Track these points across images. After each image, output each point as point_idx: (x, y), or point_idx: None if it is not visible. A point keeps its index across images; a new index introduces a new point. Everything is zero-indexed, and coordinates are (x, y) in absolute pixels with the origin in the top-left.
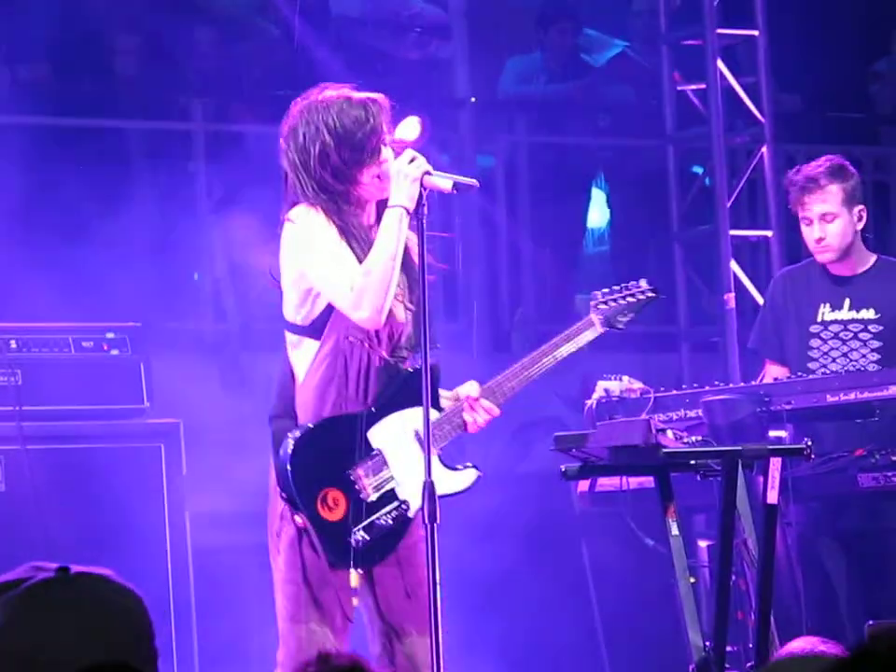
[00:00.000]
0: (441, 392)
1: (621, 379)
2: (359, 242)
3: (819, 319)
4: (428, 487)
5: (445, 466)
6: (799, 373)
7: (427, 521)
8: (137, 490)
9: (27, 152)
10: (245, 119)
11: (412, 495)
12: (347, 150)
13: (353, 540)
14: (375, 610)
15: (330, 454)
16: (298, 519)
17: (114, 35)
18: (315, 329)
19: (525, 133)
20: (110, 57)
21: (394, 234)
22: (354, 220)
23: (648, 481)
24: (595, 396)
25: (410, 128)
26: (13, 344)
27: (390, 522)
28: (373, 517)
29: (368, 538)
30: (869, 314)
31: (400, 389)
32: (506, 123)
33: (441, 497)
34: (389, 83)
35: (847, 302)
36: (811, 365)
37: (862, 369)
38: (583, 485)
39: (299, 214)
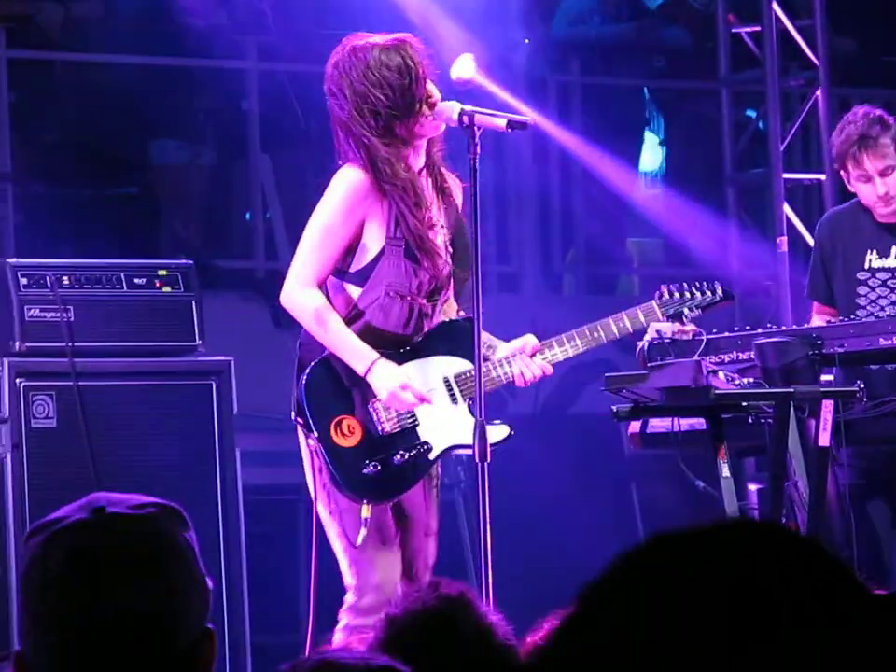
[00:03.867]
0: (493, 341)
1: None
2: (398, 191)
3: (866, 266)
4: (479, 427)
5: (474, 415)
6: (850, 317)
7: (478, 459)
8: (189, 427)
9: (71, 89)
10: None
11: (434, 437)
12: (399, 101)
13: (365, 471)
14: (398, 539)
15: (351, 383)
16: (310, 441)
17: None
18: (360, 277)
19: (578, 74)
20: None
21: (343, 353)
22: (399, 169)
23: (699, 422)
24: (647, 337)
25: (465, 65)
26: (65, 281)
27: (407, 459)
28: (389, 451)
29: (380, 469)
30: None
31: (435, 336)
32: (560, 64)
33: (466, 447)
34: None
35: (894, 250)
36: (859, 312)
37: None
38: (634, 427)
39: (342, 173)
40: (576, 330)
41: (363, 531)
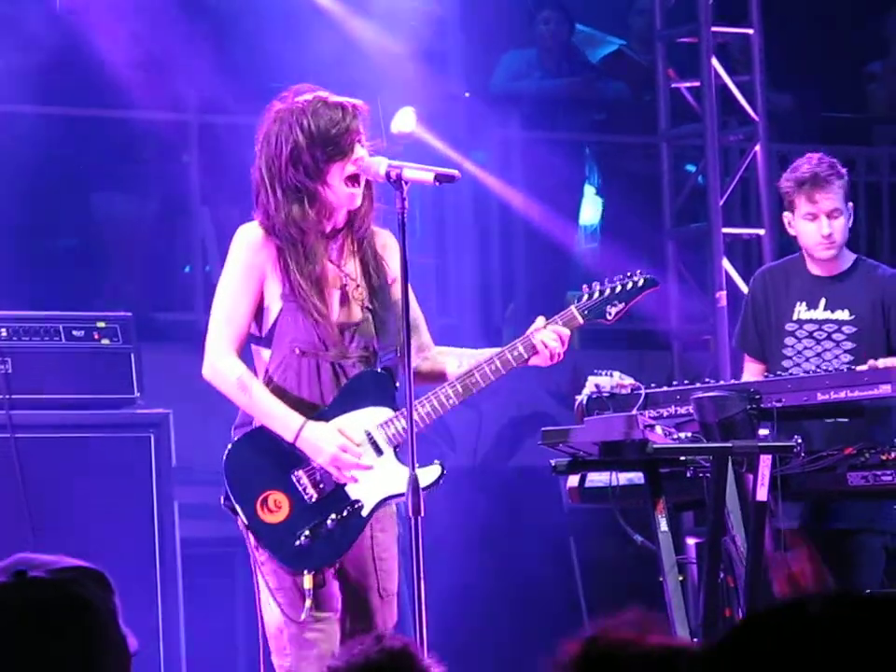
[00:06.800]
0: (461, 350)
1: (611, 375)
2: (302, 259)
3: (794, 318)
4: (412, 481)
5: (401, 462)
6: (778, 372)
7: (411, 514)
8: (127, 479)
9: (12, 141)
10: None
11: (364, 494)
12: (319, 148)
13: (296, 542)
14: (345, 609)
15: (272, 457)
16: (238, 522)
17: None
18: (268, 341)
19: (518, 129)
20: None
21: (268, 420)
22: (307, 237)
23: (638, 477)
24: (586, 391)
25: (406, 119)
26: (3, 333)
27: (340, 521)
28: (321, 517)
29: (312, 538)
30: (844, 314)
31: (350, 391)
32: (500, 118)
33: (399, 495)
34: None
35: (822, 302)
36: (785, 363)
37: (838, 369)
38: (573, 481)
39: (238, 233)
40: (499, 350)
41: (308, 602)
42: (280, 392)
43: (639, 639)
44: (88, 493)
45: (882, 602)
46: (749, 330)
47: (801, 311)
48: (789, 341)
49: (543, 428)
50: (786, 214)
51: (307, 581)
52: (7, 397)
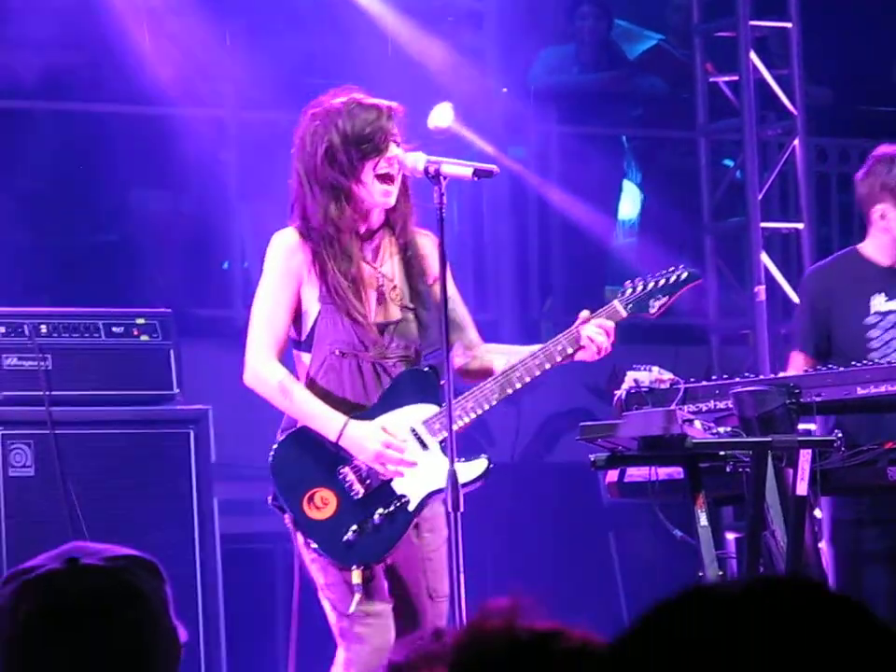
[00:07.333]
0: (507, 348)
1: (650, 370)
2: (339, 258)
3: (873, 311)
4: (451, 476)
5: (447, 456)
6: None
7: (451, 509)
8: (167, 476)
9: (51, 139)
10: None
11: (410, 489)
12: (353, 146)
13: (345, 538)
14: (395, 610)
15: (317, 455)
16: (286, 520)
17: None
18: (308, 344)
19: (556, 124)
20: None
21: (311, 422)
22: (342, 237)
23: (677, 471)
24: (625, 386)
25: (443, 114)
26: (43, 329)
27: (387, 517)
28: (367, 513)
29: (359, 533)
30: None
31: (393, 390)
32: (538, 114)
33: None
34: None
35: None
36: (872, 356)
37: None
38: (612, 476)
39: (274, 239)
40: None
41: (356, 597)
42: (323, 394)
43: (506, 628)
44: (128, 489)
45: (797, 585)
46: (807, 330)
47: (880, 303)
48: (872, 333)
49: (582, 423)
50: (880, 207)
51: (356, 577)
52: (48, 393)
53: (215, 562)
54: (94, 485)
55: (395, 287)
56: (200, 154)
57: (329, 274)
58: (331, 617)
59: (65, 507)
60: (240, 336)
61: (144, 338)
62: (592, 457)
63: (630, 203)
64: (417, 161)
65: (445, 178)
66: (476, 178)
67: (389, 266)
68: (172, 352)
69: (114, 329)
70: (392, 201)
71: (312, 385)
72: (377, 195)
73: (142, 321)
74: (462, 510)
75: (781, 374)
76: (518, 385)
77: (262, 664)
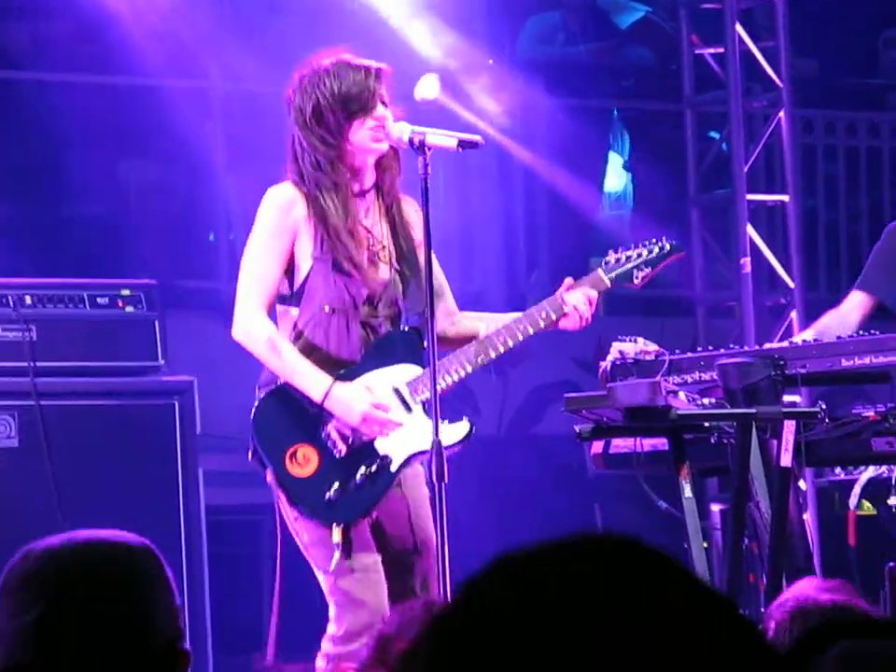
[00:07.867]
0: (488, 315)
1: (635, 341)
2: (339, 208)
3: None
4: (437, 446)
5: (430, 418)
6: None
7: (435, 480)
8: (151, 447)
9: (35, 109)
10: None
11: (393, 449)
12: (340, 106)
13: (326, 496)
14: (384, 566)
15: (299, 412)
16: (268, 476)
17: None
18: (297, 298)
19: (542, 95)
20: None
21: (297, 380)
22: (339, 192)
23: (662, 443)
24: (610, 358)
25: (429, 85)
26: (28, 300)
27: (369, 476)
28: (350, 471)
29: (341, 492)
30: None
31: (378, 349)
32: (524, 85)
33: (427, 452)
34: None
35: None
36: None
37: None
38: (597, 447)
39: (268, 193)
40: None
41: (336, 555)
42: (309, 349)
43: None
44: (112, 460)
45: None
46: (874, 271)
47: None
48: None
49: (566, 395)
50: None
51: (336, 535)
52: (32, 364)
53: (200, 533)
54: (79, 457)
55: (384, 247)
56: (185, 126)
57: (330, 220)
58: (318, 575)
59: (50, 478)
60: (225, 308)
61: (129, 309)
62: (577, 429)
63: (616, 175)
64: (402, 131)
65: (430, 149)
66: (461, 149)
67: (378, 228)
68: (157, 323)
69: (99, 300)
70: (385, 147)
71: (298, 338)
72: (367, 147)
73: (127, 292)
74: (447, 480)
75: (766, 346)
76: (501, 349)
77: (247, 635)
